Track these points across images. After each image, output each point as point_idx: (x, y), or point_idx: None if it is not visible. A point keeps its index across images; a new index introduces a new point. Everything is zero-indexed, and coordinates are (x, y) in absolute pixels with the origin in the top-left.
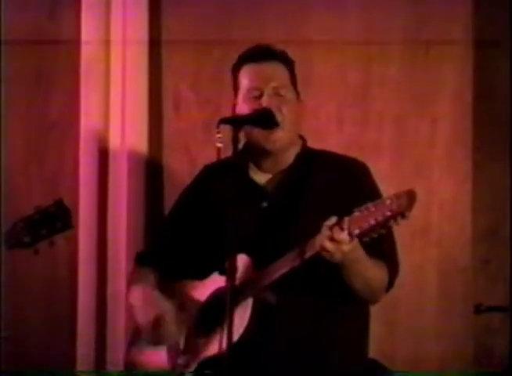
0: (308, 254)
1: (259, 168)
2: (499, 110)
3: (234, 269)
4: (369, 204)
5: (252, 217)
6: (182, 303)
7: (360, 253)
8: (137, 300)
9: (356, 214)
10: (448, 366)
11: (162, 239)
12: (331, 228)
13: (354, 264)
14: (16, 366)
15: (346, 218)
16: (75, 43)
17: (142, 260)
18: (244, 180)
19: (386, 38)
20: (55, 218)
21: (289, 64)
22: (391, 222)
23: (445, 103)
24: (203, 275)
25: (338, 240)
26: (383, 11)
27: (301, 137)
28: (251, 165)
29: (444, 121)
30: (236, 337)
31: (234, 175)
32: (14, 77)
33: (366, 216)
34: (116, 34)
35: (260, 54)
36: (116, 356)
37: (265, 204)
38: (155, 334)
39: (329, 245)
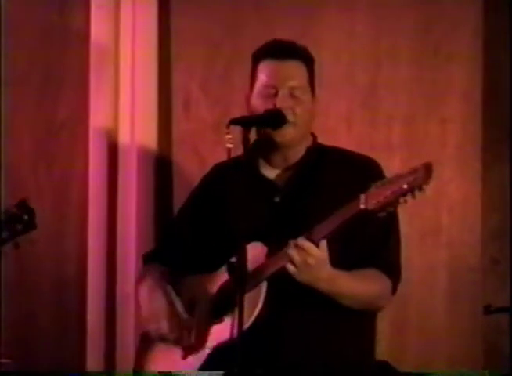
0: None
1: (269, 163)
2: (508, 110)
3: (244, 259)
4: (386, 179)
5: (265, 211)
6: (192, 297)
7: (329, 272)
8: (142, 299)
9: (372, 189)
10: (457, 366)
11: (169, 237)
12: (297, 238)
13: (324, 283)
14: (25, 366)
15: (313, 228)
16: (84, 42)
17: (148, 258)
18: (255, 176)
19: (395, 39)
20: (17, 220)
21: (309, 63)
22: (408, 195)
23: (455, 104)
24: (212, 269)
25: (302, 246)
26: (392, 11)
27: (312, 134)
28: (261, 161)
29: (453, 121)
30: (249, 321)
31: (245, 171)
32: (23, 76)
33: (382, 190)
34: (125, 34)
35: (282, 51)
36: (125, 355)
37: (277, 199)
38: (154, 329)
39: (294, 253)
